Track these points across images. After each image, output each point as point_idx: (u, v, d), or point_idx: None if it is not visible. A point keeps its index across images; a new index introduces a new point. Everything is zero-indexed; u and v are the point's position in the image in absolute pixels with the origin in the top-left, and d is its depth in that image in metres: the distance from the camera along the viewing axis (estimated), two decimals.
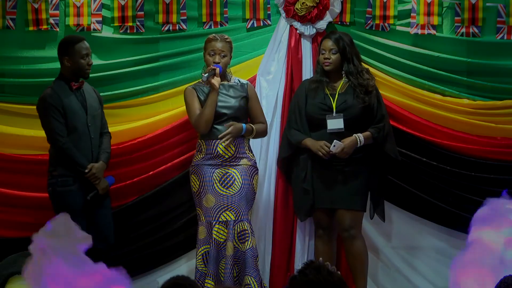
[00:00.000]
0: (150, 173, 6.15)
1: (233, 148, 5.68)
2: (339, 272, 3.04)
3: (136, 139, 6.10)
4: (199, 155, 5.72)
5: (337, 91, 5.81)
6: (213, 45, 5.71)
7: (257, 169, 5.81)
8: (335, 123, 5.73)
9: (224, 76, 5.76)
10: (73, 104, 5.61)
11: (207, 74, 5.63)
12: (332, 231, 5.87)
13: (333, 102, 5.78)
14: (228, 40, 5.77)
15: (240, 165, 5.69)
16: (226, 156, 5.66)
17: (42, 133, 6.06)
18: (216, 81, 5.62)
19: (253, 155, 5.81)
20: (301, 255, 6.07)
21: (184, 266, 6.20)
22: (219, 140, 5.65)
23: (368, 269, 5.87)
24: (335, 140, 5.66)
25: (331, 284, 2.85)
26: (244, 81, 5.90)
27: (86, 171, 5.56)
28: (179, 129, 6.19)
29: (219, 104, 5.68)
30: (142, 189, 6.12)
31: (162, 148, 6.18)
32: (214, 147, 5.66)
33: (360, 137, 5.71)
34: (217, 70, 5.63)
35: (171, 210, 6.18)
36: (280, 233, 6.09)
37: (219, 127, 5.66)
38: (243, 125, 5.69)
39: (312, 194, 5.81)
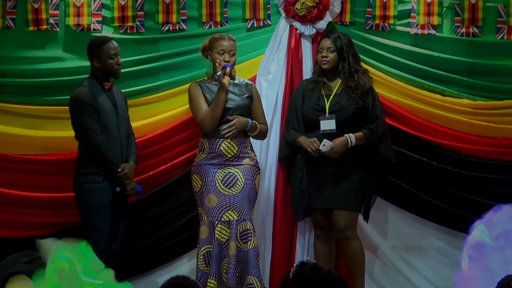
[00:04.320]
0: (150, 173, 6.15)
1: (236, 148, 5.68)
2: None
3: (136, 139, 6.08)
4: (201, 155, 5.72)
5: (333, 92, 5.81)
6: (222, 44, 5.71)
7: (259, 169, 5.81)
8: (327, 124, 5.73)
9: (230, 74, 5.76)
10: (106, 103, 5.61)
11: (219, 72, 5.64)
12: (331, 231, 5.86)
13: (327, 103, 5.78)
14: (234, 39, 5.78)
15: (243, 164, 5.69)
16: (229, 156, 5.66)
17: (42, 133, 6.08)
18: (226, 80, 5.64)
19: (255, 154, 5.81)
20: (301, 255, 6.07)
21: (185, 266, 6.20)
22: (222, 139, 5.66)
23: (365, 268, 5.87)
24: (324, 139, 5.66)
25: (333, 282, 2.85)
26: (249, 81, 5.91)
27: (119, 170, 5.56)
28: (179, 129, 6.19)
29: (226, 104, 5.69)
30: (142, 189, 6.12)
31: (162, 148, 6.17)
32: (217, 146, 5.66)
33: (351, 137, 5.70)
34: (228, 69, 5.65)
35: (171, 210, 6.18)
36: (280, 233, 6.09)
37: (223, 126, 5.66)
38: (249, 119, 5.70)
39: (307, 194, 5.81)
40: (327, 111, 5.77)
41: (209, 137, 5.69)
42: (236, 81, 5.82)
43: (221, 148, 5.65)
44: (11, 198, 6.02)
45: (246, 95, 5.78)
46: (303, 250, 6.10)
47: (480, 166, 6.19)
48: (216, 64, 5.72)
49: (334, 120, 5.72)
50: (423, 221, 6.28)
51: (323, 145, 5.65)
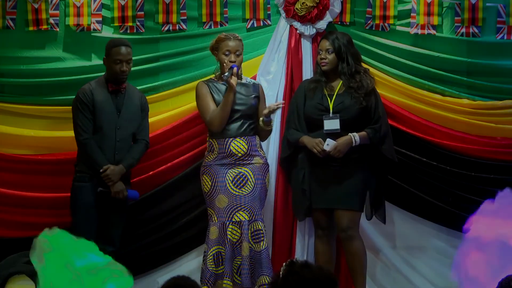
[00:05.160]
0: (151, 172, 6.15)
1: (246, 146, 5.68)
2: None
3: None
4: (211, 155, 5.71)
5: (335, 92, 5.81)
6: (227, 44, 5.71)
7: (269, 166, 5.84)
8: (331, 124, 5.73)
9: (237, 75, 5.75)
10: (106, 104, 5.63)
11: (227, 73, 5.64)
12: (332, 231, 5.86)
13: (330, 103, 5.78)
14: (240, 38, 5.79)
15: (253, 163, 5.69)
16: (239, 155, 5.66)
17: (42, 133, 6.08)
18: (234, 80, 5.63)
19: (264, 152, 5.81)
20: (301, 255, 6.07)
21: (186, 266, 6.19)
22: (231, 138, 5.65)
23: (367, 269, 5.86)
24: (328, 139, 5.66)
25: (325, 279, 2.84)
26: (256, 81, 5.92)
27: (101, 170, 5.56)
28: (180, 129, 6.18)
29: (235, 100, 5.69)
30: (142, 189, 6.10)
31: (162, 148, 6.17)
32: (227, 146, 5.66)
33: (355, 136, 5.70)
34: (235, 69, 5.64)
35: (171, 210, 6.18)
36: (280, 233, 6.08)
37: (231, 125, 5.67)
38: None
39: (309, 194, 5.81)
40: (331, 111, 5.77)
41: (218, 137, 5.69)
42: (243, 81, 5.82)
43: (231, 147, 5.65)
44: (11, 198, 6.03)
45: (253, 96, 5.78)
46: (303, 250, 6.10)
47: (480, 166, 6.18)
48: (224, 65, 5.72)
49: (338, 120, 5.73)
50: (423, 221, 6.27)
51: (327, 144, 5.65)
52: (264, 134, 5.83)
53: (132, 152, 5.74)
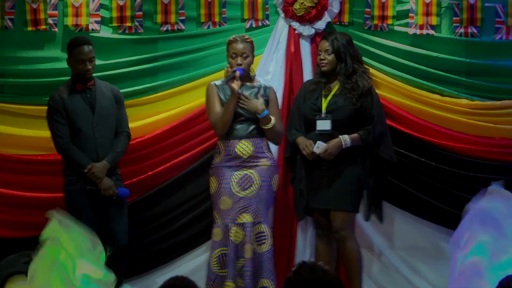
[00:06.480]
0: (149, 173, 6.15)
1: (251, 148, 5.66)
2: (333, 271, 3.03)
3: (135, 140, 6.06)
4: (218, 157, 5.71)
5: (332, 92, 5.81)
6: (234, 47, 5.68)
7: (277, 168, 5.81)
8: (323, 124, 5.73)
9: (247, 76, 5.74)
10: (78, 105, 5.61)
11: (225, 77, 5.63)
12: (332, 231, 5.86)
13: (324, 103, 5.78)
14: (248, 40, 5.74)
15: (259, 166, 5.67)
16: (244, 157, 5.64)
17: (41, 133, 6.07)
18: (236, 84, 5.58)
19: (272, 154, 5.78)
20: (301, 255, 6.07)
21: (185, 266, 6.19)
22: (236, 140, 5.64)
23: (365, 269, 5.87)
24: (318, 142, 5.66)
25: (327, 282, 2.84)
26: (268, 84, 5.86)
27: (85, 170, 5.56)
28: (178, 129, 6.19)
29: (238, 104, 5.65)
30: (141, 189, 6.12)
31: (161, 148, 6.17)
32: (232, 148, 5.64)
33: (346, 139, 5.69)
34: (237, 73, 5.60)
35: (170, 210, 6.18)
36: (280, 233, 6.09)
37: (237, 127, 5.66)
38: (266, 109, 5.65)
39: (306, 194, 5.81)
40: (323, 111, 5.77)
41: (224, 139, 5.68)
42: (254, 84, 5.80)
43: (236, 149, 5.64)
44: (11, 198, 6.04)
45: (261, 99, 5.74)
46: (304, 249, 6.10)
47: (478, 166, 6.19)
48: (225, 68, 5.72)
49: (329, 120, 5.72)
50: (423, 221, 6.27)
51: (317, 147, 5.65)
52: (270, 135, 5.72)
53: (116, 146, 5.71)
